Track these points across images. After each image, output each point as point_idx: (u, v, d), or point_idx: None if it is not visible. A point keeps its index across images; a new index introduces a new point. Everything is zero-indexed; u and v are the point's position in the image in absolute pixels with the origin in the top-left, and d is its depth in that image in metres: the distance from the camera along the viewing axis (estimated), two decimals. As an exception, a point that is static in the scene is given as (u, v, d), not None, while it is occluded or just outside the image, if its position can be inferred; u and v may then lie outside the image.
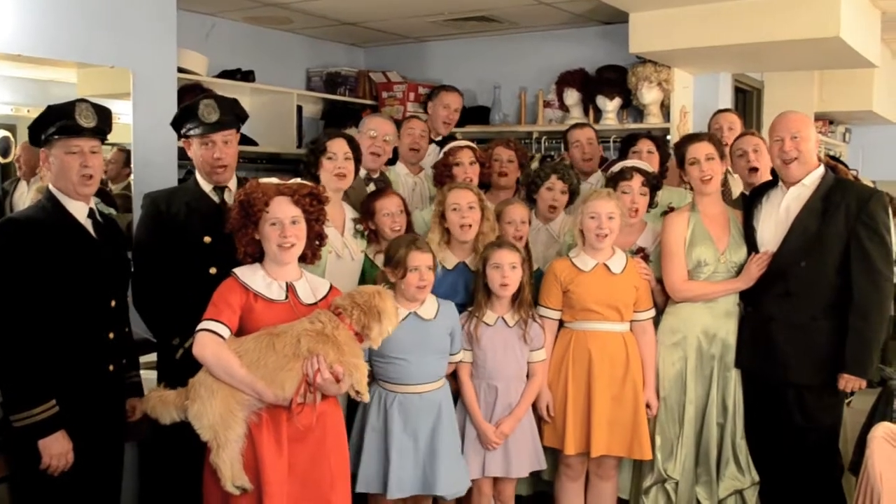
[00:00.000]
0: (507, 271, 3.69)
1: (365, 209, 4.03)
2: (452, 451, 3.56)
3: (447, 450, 3.53)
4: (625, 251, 3.98)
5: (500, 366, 3.73)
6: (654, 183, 4.19)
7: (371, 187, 4.52)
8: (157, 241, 3.48)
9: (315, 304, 3.11)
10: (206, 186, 3.58)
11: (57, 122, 3.10)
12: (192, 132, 3.53)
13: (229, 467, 2.86)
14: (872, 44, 5.87)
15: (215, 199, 3.56)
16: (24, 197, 4.23)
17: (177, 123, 3.59)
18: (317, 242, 3.22)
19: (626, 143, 4.84)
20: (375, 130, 4.60)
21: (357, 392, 3.02)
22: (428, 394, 3.53)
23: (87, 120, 3.13)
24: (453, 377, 3.77)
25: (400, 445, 3.46)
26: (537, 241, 4.38)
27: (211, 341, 2.92)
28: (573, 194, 4.42)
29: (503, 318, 3.76)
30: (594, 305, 3.85)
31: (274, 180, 3.18)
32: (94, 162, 3.15)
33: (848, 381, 3.70)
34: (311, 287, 3.16)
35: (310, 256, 3.21)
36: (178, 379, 3.08)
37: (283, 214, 3.06)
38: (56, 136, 3.09)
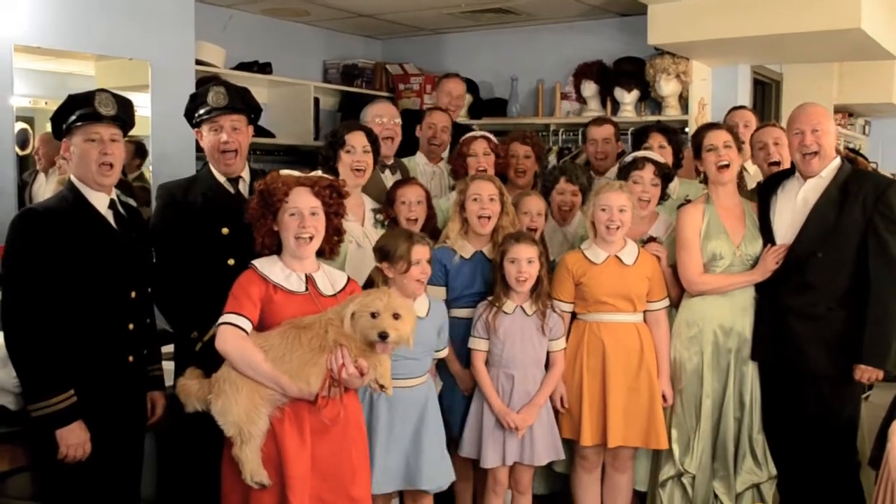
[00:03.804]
0: (523, 266, 3.69)
1: (388, 196, 4.04)
2: (437, 446, 3.56)
3: (431, 444, 3.53)
4: (636, 241, 3.97)
5: (518, 354, 3.74)
6: (665, 173, 4.16)
7: (386, 174, 4.52)
8: (174, 232, 3.48)
9: (334, 295, 3.10)
10: (221, 177, 3.58)
11: (77, 111, 3.11)
12: (201, 118, 3.53)
13: (252, 462, 2.86)
14: (893, 35, 5.82)
15: (230, 189, 3.57)
16: (44, 188, 4.25)
17: (189, 113, 3.60)
18: (335, 238, 3.21)
19: (638, 138, 4.81)
20: (382, 116, 4.58)
21: (381, 386, 3.01)
22: (415, 388, 3.53)
23: (106, 108, 3.14)
24: (468, 366, 3.79)
25: (385, 440, 3.45)
26: (553, 242, 4.36)
27: (233, 335, 2.92)
28: (585, 193, 4.39)
29: (522, 308, 3.76)
30: (607, 297, 3.84)
31: (294, 173, 3.18)
32: (114, 150, 3.15)
33: (864, 372, 3.69)
34: (329, 279, 3.16)
35: (328, 251, 3.21)
36: (196, 371, 3.09)
37: (303, 205, 3.06)
38: (76, 124, 3.11)
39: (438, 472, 3.54)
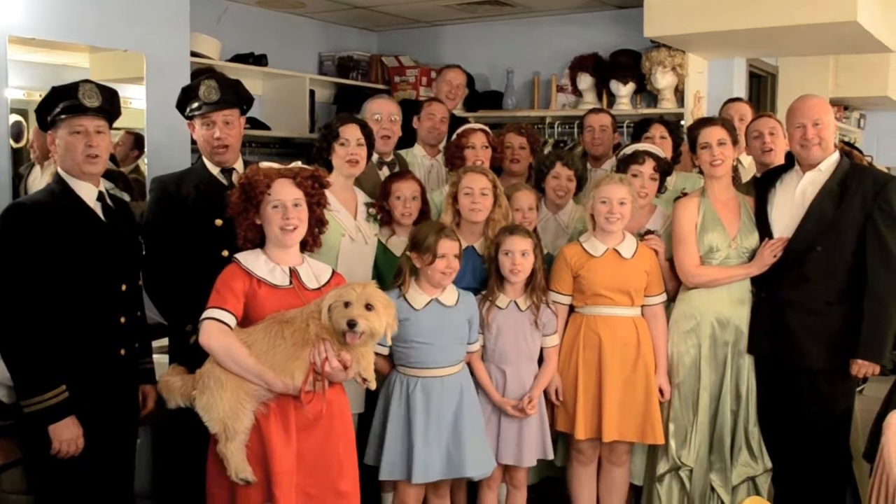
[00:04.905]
0: (517, 258, 3.69)
1: (382, 189, 4.03)
2: (477, 433, 3.58)
3: (471, 431, 3.54)
4: (634, 235, 3.97)
5: (510, 349, 3.74)
6: (665, 168, 4.17)
7: (384, 171, 4.50)
8: (168, 225, 3.47)
9: (319, 289, 3.09)
10: (214, 169, 3.57)
11: (61, 103, 3.09)
12: (193, 113, 3.53)
13: (236, 458, 2.86)
14: (889, 28, 5.82)
15: (224, 181, 3.55)
16: (38, 181, 4.22)
17: (181, 105, 3.59)
18: (316, 230, 3.20)
19: (639, 129, 4.81)
20: (379, 113, 4.57)
21: (364, 380, 3.01)
22: (449, 377, 3.55)
23: (90, 99, 3.11)
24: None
25: (423, 430, 3.47)
26: (546, 231, 4.36)
27: (217, 330, 2.91)
28: (581, 180, 4.41)
29: (515, 302, 3.76)
30: (605, 290, 3.84)
31: (274, 165, 3.17)
32: (100, 142, 3.13)
33: (861, 367, 3.69)
34: (313, 272, 3.15)
35: (310, 243, 3.20)
36: (190, 364, 3.08)
37: (286, 196, 3.04)
38: (61, 117, 3.08)
39: (480, 459, 3.57)
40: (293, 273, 3.09)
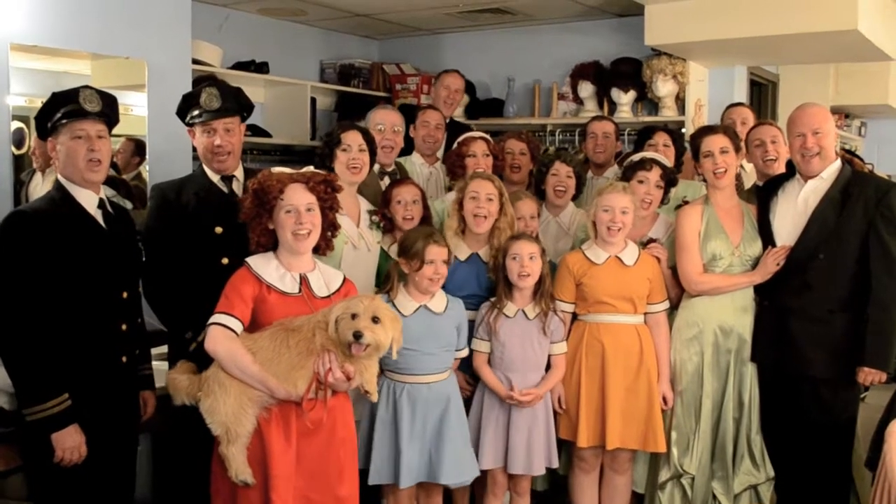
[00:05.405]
0: (525, 262, 3.68)
1: (384, 197, 4.04)
2: (459, 441, 3.58)
3: (454, 439, 3.54)
4: (636, 242, 3.97)
5: (517, 358, 3.73)
6: (670, 178, 4.17)
7: (385, 181, 4.50)
8: (168, 232, 3.47)
9: (328, 297, 3.09)
10: (214, 176, 3.57)
11: (62, 108, 3.08)
12: (194, 120, 3.52)
13: (237, 461, 2.87)
14: (889, 37, 5.83)
15: (224, 188, 3.55)
16: (40, 188, 4.23)
17: (182, 112, 3.59)
18: (329, 233, 3.20)
19: (643, 136, 4.82)
20: (382, 124, 4.56)
21: (366, 391, 3.02)
22: (436, 384, 3.55)
23: (91, 104, 3.11)
24: (467, 370, 3.78)
25: (409, 434, 3.48)
26: (547, 234, 4.36)
27: (223, 336, 2.91)
28: (579, 178, 4.42)
29: (523, 311, 3.75)
30: (607, 298, 3.84)
31: (286, 170, 3.17)
32: (101, 146, 3.12)
33: (868, 375, 3.69)
34: (324, 279, 3.15)
35: (323, 247, 3.19)
36: (190, 372, 3.08)
37: (299, 201, 3.05)
38: (62, 122, 3.08)
39: (460, 468, 3.56)
40: (303, 280, 3.09)
